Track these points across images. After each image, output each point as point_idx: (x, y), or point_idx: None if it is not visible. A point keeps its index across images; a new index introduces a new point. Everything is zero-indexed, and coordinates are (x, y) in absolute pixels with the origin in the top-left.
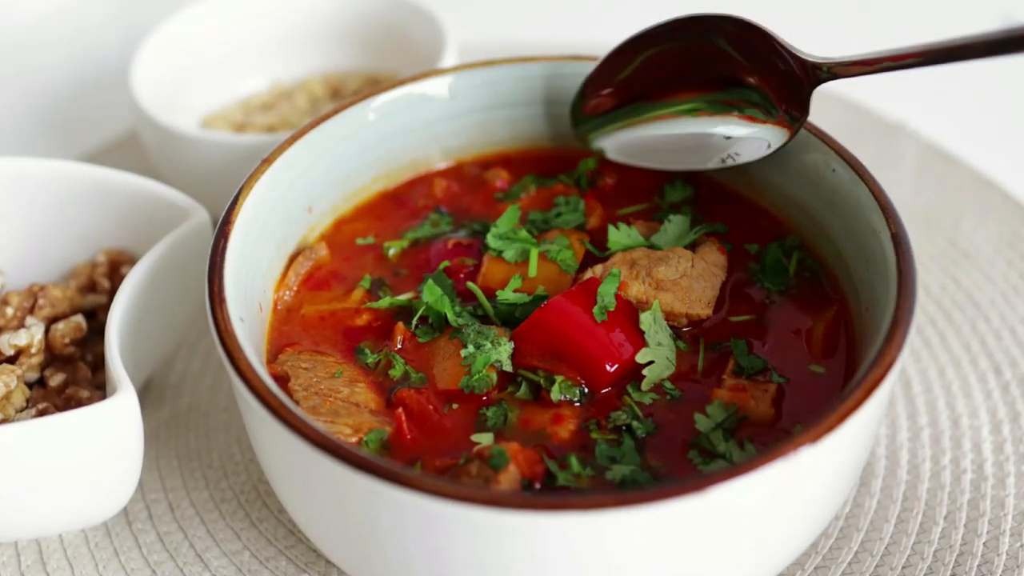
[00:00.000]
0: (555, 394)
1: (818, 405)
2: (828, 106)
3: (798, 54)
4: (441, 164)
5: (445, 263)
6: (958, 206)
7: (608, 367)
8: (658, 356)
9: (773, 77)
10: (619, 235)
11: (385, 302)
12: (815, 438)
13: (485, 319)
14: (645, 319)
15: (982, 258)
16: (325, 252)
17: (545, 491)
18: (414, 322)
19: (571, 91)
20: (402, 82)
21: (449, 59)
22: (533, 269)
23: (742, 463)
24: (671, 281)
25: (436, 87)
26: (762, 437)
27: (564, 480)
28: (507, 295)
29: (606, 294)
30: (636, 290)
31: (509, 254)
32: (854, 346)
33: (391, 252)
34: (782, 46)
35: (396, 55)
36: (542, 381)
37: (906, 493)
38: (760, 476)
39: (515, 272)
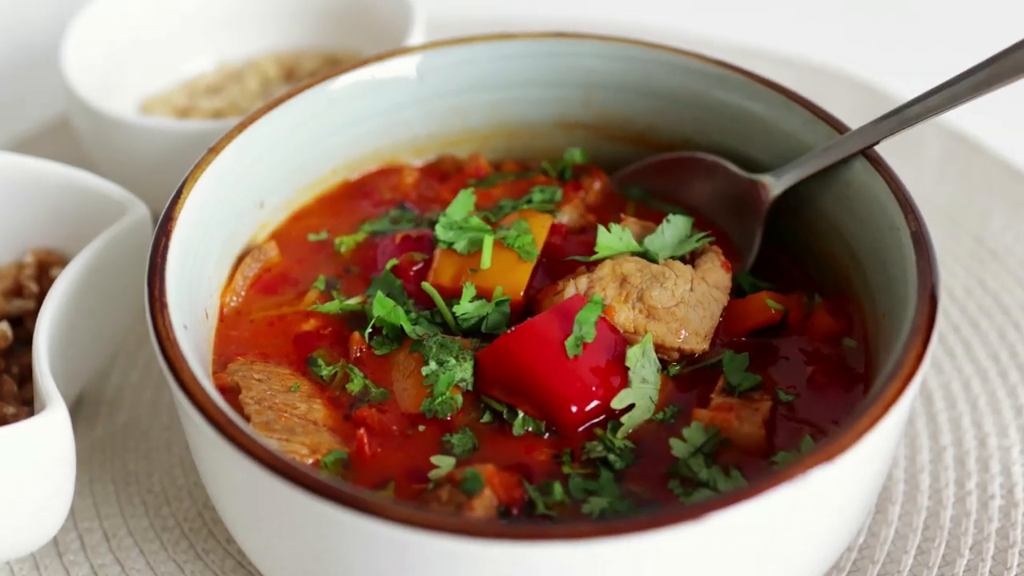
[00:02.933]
0: (517, 428)
1: (829, 421)
2: (838, 87)
3: (746, 176)
4: (409, 153)
5: (393, 261)
6: (985, 200)
7: (573, 410)
8: (640, 397)
9: (732, 205)
10: (610, 238)
11: (333, 306)
12: (826, 459)
13: (446, 325)
14: (633, 354)
15: (1012, 259)
16: (275, 252)
17: (524, 519)
18: (367, 332)
19: (556, 72)
20: (365, 62)
21: (417, 37)
22: (486, 260)
23: (745, 488)
24: (665, 309)
25: (403, 68)
26: (753, 463)
27: (544, 508)
28: (464, 307)
29: (585, 322)
30: (625, 317)
31: (461, 245)
32: (870, 356)
33: (342, 248)
34: (734, 172)
35: (358, 32)
36: (504, 413)
37: (927, 521)
38: (764, 502)
39: (469, 265)
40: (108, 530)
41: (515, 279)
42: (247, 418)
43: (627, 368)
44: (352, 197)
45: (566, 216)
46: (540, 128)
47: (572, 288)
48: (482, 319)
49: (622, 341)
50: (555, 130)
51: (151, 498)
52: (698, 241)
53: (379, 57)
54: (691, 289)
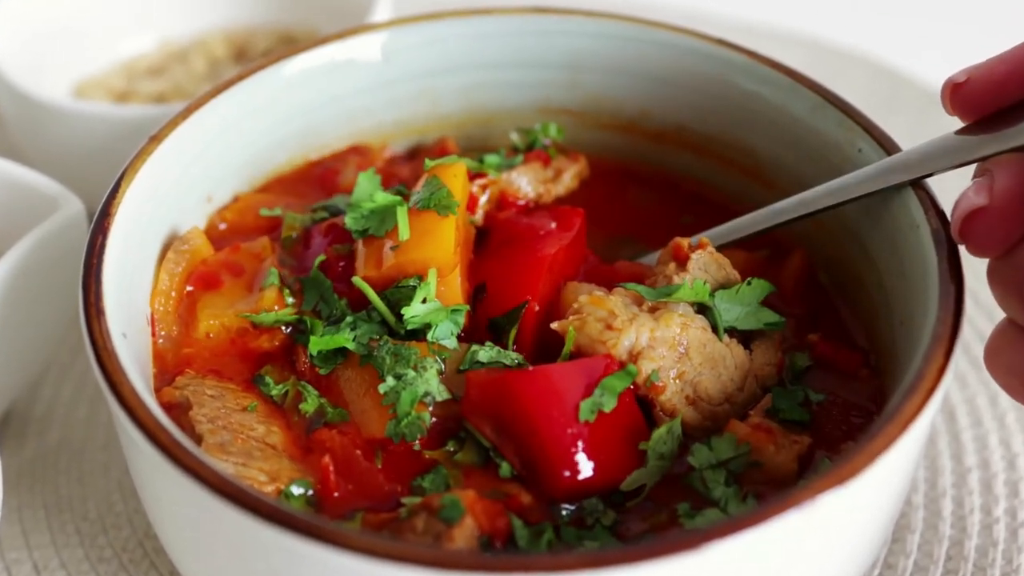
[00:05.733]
0: (504, 471)
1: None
2: (854, 71)
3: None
4: (374, 142)
5: (320, 257)
6: None
7: (566, 475)
8: (651, 477)
9: None
10: (688, 293)
11: (269, 317)
12: (837, 482)
13: (387, 321)
14: (659, 435)
15: None
16: (201, 240)
17: (509, 550)
18: (309, 351)
19: (537, 52)
20: (324, 41)
21: (382, 13)
22: (404, 230)
23: (746, 514)
24: (710, 405)
25: (366, 47)
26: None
27: (527, 543)
28: (415, 310)
29: (609, 391)
30: (668, 398)
31: (375, 228)
32: (885, 369)
33: (296, 224)
34: None
35: (316, 7)
36: (491, 451)
37: (950, 552)
38: (769, 530)
39: (390, 243)
40: (39, 561)
41: (440, 240)
42: (198, 438)
43: (643, 449)
44: (312, 180)
45: (524, 178)
46: (520, 114)
47: (632, 334)
48: (429, 326)
49: (639, 417)
50: (537, 116)
51: (86, 526)
52: (766, 325)
53: (340, 35)
54: (741, 389)
